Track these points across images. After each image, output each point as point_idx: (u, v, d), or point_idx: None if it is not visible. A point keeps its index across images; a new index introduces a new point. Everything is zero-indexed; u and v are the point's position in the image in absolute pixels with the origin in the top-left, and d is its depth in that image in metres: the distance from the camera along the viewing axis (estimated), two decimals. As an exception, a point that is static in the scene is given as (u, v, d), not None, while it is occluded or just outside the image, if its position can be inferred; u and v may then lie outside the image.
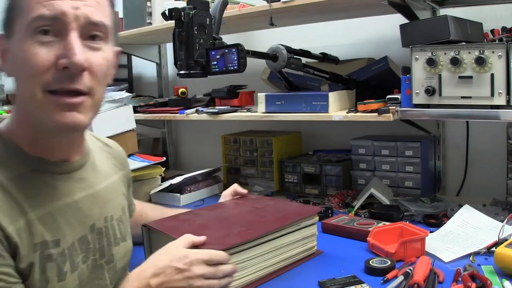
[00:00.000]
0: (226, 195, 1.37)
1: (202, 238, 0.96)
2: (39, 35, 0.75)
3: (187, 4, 1.46)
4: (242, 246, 1.01)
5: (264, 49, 1.55)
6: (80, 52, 0.75)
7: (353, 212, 1.55)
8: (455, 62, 1.29)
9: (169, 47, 2.62)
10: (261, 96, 1.66)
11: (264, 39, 1.86)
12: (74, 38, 0.75)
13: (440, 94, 1.33)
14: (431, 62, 1.32)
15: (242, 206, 1.27)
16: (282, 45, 1.53)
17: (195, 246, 0.95)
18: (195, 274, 0.88)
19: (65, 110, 0.76)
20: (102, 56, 0.81)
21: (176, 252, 0.90)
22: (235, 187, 1.37)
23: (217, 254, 0.93)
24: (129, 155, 1.87)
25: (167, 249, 0.92)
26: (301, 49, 1.64)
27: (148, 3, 2.15)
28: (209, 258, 0.91)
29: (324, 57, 1.75)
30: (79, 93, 0.77)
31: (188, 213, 1.26)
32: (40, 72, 0.74)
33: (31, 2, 0.75)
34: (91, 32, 0.78)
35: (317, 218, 1.21)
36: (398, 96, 1.42)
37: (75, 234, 0.85)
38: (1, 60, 0.82)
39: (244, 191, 1.37)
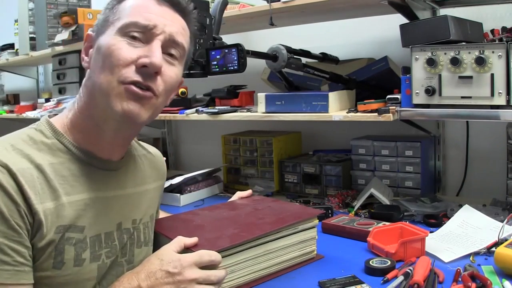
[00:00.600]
0: None
1: (193, 240, 0.96)
2: (129, 37, 0.86)
3: (187, 4, 1.45)
4: (234, 249, 0.99)
5: (264, 49, 1.55)
6: (159, 55, 0.86)
7: (353, 212, 1.55)
8: (455, 62, 1.29)
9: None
10: (261, 96, 1.66)
11: (264, 39, 1.86)
12: (157, 44, 0.86)
13: (440, 94, 1.33)
14: (431, 62, 1.32)
15: (243, 207, 1.26)
16: (282, 45, 1.53)
17: (187, 247, 0.95)
18: (186, 279, 0.88)
19: (132, 99, 0.85)
20: (174, 72, 0.91)
21: (167, 256, 0.91)
22: (238, 195, 1.35)
23: (208, 253, 0.92)
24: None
25: (160, 253, 0.92)
26: (301, 49, 1.64)
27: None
28: (199, 259, 0.90)
29: (324, 57, 1.75)
30: (148, 90, 0.86)
31: (188, 213, 1.26)
32: (122, 65, 0.84)
33: (130, 11, 0.87)
34: (170, 49, 0.90)
35: (316, 221, 1.17)
36: (398, 96, 1.42)
37: (102, 227, 0.90)
38: (84, 54, 0.92)
39: (247, 193, 1.35)
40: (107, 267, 0.91)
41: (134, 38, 0.86)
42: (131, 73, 0.84)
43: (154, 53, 0.85)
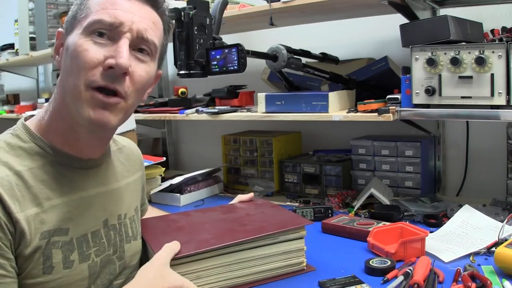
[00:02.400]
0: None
1: (177, 249, 0.95)
2: (95, 35, 0.83)
3: (187, 4, 1.46)
4: (200, 255, 0.96)
5: (264, 49, 1.55)
6: (126, 56, 0.82)
7: (353, 212, 1.55)
8: (455, 62, 1.29)
9: (169, 47, 2.62)
10: (261, 96, 1.66)
11: (264, 39, 1.86)
12: (124, 43, 0.83)
13: (440, 94, 1.33)
14: (431, 62, 1.32)
15: (237, 211, 1.22)
16: (282, 45, 1.53)
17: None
18: None
19: (99, 107, 0.83)
20: (145, 69, 0.88)
21: (172, 279, 0.89)
22: (239, 198, 1.32)
23: None
24: (129, 155, 1.87)
25: (161, 270, 0.90)
26: (301, 49, 1.64)
27: (148, 3, 2.15)
28: None
29: (324, 57, 1.75)
30: (115, 94, 0.84)
31: (180, 214, 1.23)
32: (88, 67, 0.81)
33: (96, 7, 0.84)
34: (140, 45, 0.87)
35: (304, 232, 1.08)
36: (398, 96, 1.42)
37: (88, 226, 0.90)
38: (55, 53, 0.89)
39: (249, 196, 1.32)
40: (98, 266, 0.90)
41: (100, 35, 0.83)
42: (97, 77, 0.82)
43: (121, 53, 0.82)
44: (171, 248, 0.94)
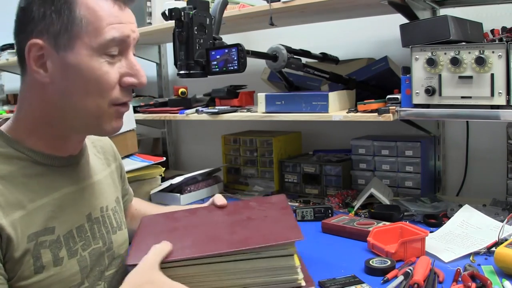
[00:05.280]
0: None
1: (167, 249, 0.91)
2: (108, 57, 0.85)
3: (187, 4, 1.46)
4: (180, 262, 0.91)
5: (264, 49, 1.55)
6: (143, 72, 0.89)
7: (353, 212, 1.55)
8: (455, 62, 1.29)
9: (169, 47, 2.63)
10: (261, 96, 1.66)
11: (264, 39, 1.86)
12: (133, 57, 0.89)
13: (440, 94, 1.33)
14: (431, 62, 1.32)
15: (240, 213, 1.14)
16: (282, 45, 1.53)
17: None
18: None
19: (120, 117, 0.90)
20: None
21: (162, 283, 0.85)
22: (215, 198, 1.18)
23: None
24: (129, 155, 1.87)
25: (149, 275, 0.85)
26: (301, 49, 1.64)
27: (148, 3, 2.15)
28: None
29: (324, 57, 1.75)
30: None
31: (186, 211, 1.19)
32: (110, 89, 0.85)
33: (101, 24, 0.83)
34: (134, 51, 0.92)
35: (292, 250, 0.93)
36: (398, 96, 1.42)
37: (73, 222, 0.91)
38: (36, 66, 0.85)
39: (221, 203, 1.16)
40: (87, 260, 0.91)
41: (112, 57, 0.85)
42: (119, 94, 0.87)
43: (140, 71, 0.88)
44: (161, 249, 0.89)
